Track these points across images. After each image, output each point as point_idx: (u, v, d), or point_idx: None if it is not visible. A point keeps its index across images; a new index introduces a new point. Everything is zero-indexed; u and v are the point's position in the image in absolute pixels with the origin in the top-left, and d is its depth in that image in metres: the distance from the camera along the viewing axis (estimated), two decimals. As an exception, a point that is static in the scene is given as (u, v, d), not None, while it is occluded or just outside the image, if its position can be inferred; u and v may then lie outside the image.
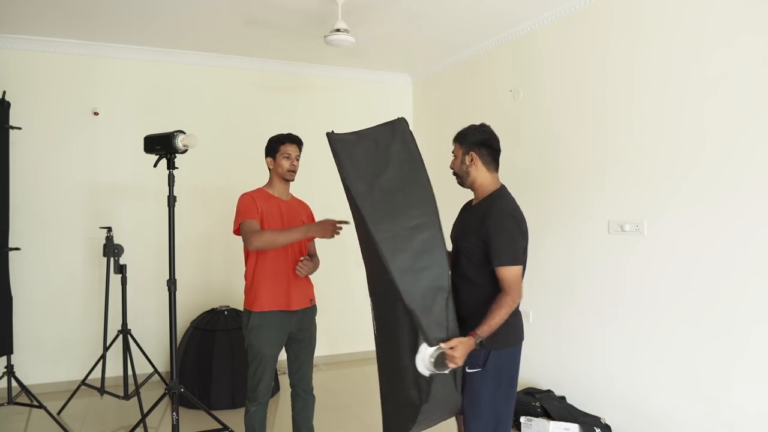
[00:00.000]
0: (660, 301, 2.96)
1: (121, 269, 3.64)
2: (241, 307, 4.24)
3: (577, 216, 3.48)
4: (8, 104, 3.80)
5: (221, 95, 4.75)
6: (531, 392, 3.52)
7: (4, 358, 3.61)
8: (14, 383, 3.54)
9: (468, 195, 2.27)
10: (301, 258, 2.68)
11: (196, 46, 4.49)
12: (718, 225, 2.68)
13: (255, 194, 2.66)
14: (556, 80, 3.70)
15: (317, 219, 2.92)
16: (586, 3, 3.42)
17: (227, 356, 3.88)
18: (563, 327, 3.59)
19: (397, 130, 2.08)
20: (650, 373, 3.02)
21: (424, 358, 1.81)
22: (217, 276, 4.69)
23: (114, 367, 3.99)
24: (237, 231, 2.61)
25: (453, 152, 2.21)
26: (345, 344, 5.08)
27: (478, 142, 2.14)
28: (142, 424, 3.25)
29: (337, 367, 4.90)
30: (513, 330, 2.06)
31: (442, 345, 1.81)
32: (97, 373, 3.76)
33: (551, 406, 3.32)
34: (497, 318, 1.91)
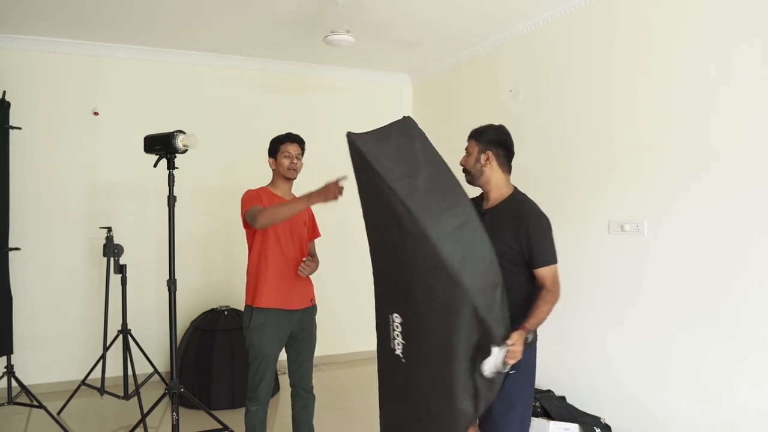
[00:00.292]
0: (660, 300, 2.96)
1: (121, 269, 3.64)
2: (240, 307, 4.24)
3: (578, 216, 3.48)
4: (8, 104, 3.80)
5: (221, 95, 4.75)
6: (531, 392, 3.52)
7: (4, 358, 3.61)
8: (14, 383, 3.54)
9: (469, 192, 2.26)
10: (304, 259, 2.68)
11: (196, 46, 4.49)
12: (719, 225, 2.68)
13: (259, 191, 2.69)
14: (557, 80, 3.70)
15: (317, 219, 2.93)
16: (587, 3, 3.42)
17: (227, 356, 3.89)
18: (563, 327, 3.59)
19: (412, 130, 2.02)
20: (651, 372, 3.02)
21: (497, 360, 1.70)
22: (218, 276, 4.69)
23: (114, 367, 3.98)
24: (244, 221, 2.62)
25: (467, 149, 2.19)
26: (345, 344, 5.08)
27: (496, 142, 2.14)
28: (142, 424, 3.25)
29: (337, 367, 4.90)
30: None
31: (507, 342, 1.72)
32: (97, 373, 3.76)
33: (551, 406, 3.32)
34: (543, 313, 1.93)
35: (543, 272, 2.00)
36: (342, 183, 2.40)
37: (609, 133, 3.28)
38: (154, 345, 4.37)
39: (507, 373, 1.81)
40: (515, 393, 2.01)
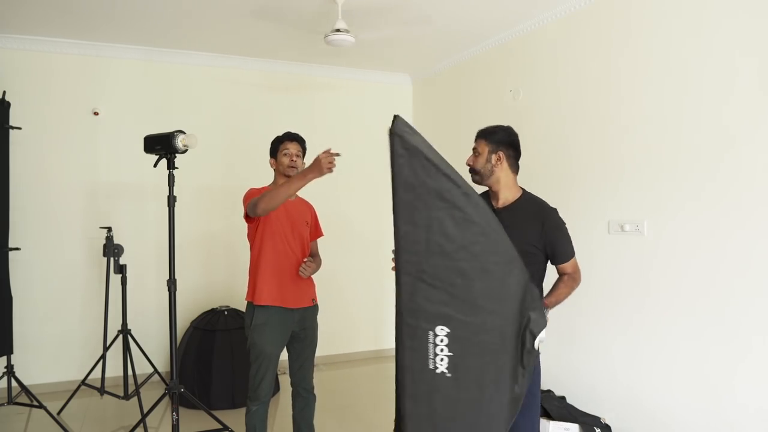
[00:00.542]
0: (660, 300, 2.96)
1: (121, 269, 3.64)
2: (240, 307, 4.23)
3: (578, 216, 3.47)
4: (8, 104, 3.80)
5: (221, 95, 4.75)
6: (531, 392, 3.52)
7: (4, 358, 3.61)
8: (14, 383, 3.54)
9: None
10: (305, 259, 2.68)
11: (197, 46, 4.49)
12: (719, 224, 2.68)
13: (261, 189, 2.69)
14: (557, 80, 3.70)
15: (320, 220, 2.93)
16: (587, 3, 3.42)
17: (227, 356, 3.89)
18: (563, 327, 3.59)
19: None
20: (650, 372, 3.02)
21: (543, 334, 1.79)
22: (218, 276, 4.69)
23: (114, 367, 3.99)
24: (246, 215, 2.62)
25: (475, 149, 2.19)
26: (345, 344, 5.07)
27: (507, 143, 2.15)
28: (142, 424, 3.25)
29: (337, 367, 4.90)
30: None
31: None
32: (97, 373, 3.76)
33: (551, 406, 3.32)
34: (563, 295, 2.06)
35: (568, 264, 2.12)
36: (333, 152, 2.37)
37: (609, 133, 3.28)
38: (154, 345, 4.37)
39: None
40: (528, 393, 2.02)
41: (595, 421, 3.20)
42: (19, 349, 3.88)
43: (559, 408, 3.32)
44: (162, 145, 2.66)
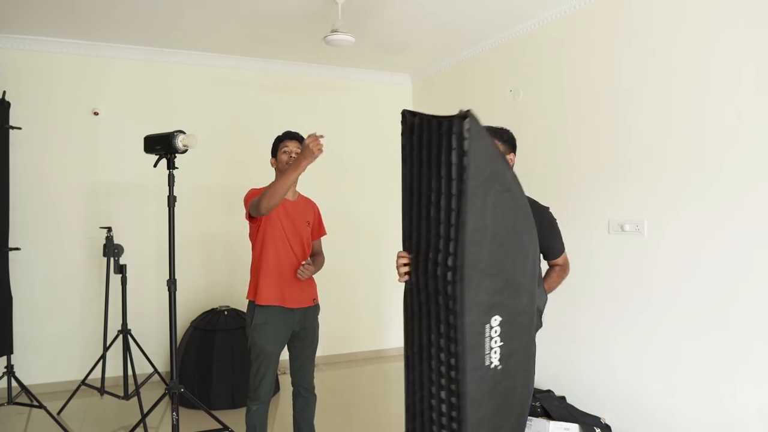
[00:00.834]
0: (660, 300, 2.96)
1: (121, 269, 3.64)
2: (241, 307, 4.23)
3: (578, 216, 3.48)
4: (8, 104, 3.80)
5: (221, 95, 4.75)
6: (531, 392, 3.52)
7: (4, 358, 3.61)
8: (14, 383, 3.54)
9: None
10: (303, 262, 2.68)
11: (196, 46, 4.49)
12: (719, 224, 2.68)
13: (262, 190, 2.68)
14: (557, 80, 3.70)
15: (324, 220, 2.92)
16: (587, 3, 3.42)
17: (227, 356, 3.89)
18: (563, 326, 3.59)
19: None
20: (650, 372, 3.02)
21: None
22: (218, 276, 4.69)
23: (114, 367, 3.99)
24: (248, 215, 2.62)
25: None
26: (345, 344, 5.08)
27: (514, 146, 2.22)
28: (142, 424, 3.25)
29: (337, 367, 4.91)
30: None
31: None
32: (97, 373, 3.76)
33: (551, 405, 3.32)
34: (555, 283, 2.32)
35: (561, 258, 2.32)
36: (318, 134, 2.36)
37: (609, 134, 3.28)
38: (154, 345, 4.37)
39: None
40: None
41: (595, 421, 3.20)
42: (19, 349, 3.88)
43: (559, 408, 3.32)
44: (162, 145, 2.66)
